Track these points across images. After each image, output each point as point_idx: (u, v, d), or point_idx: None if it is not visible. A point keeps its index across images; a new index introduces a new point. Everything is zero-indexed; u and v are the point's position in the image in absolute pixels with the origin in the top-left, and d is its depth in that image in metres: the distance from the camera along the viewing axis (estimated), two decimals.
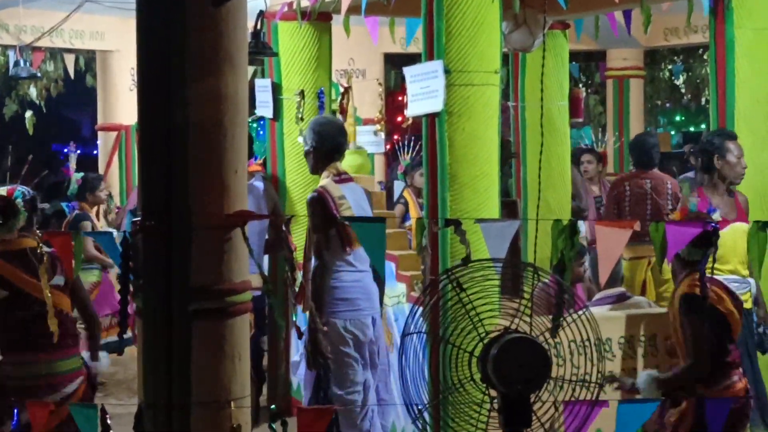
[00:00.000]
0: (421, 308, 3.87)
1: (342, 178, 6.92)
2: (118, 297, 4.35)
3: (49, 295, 5.78)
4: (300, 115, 8.13)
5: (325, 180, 6.89)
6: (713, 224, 4.48)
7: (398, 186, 13.03)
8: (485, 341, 3.86)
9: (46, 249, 5.88)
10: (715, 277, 5.80)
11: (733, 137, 7.13)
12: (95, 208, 11.35)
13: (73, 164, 12.06)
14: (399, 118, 17.40)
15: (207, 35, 3.87)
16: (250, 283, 4.00)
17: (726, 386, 5.66)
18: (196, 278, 3.88)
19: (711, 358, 5.62)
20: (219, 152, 3.93)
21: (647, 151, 9.66)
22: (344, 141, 7.07)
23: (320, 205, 6.69)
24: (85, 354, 6.21)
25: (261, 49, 8.05)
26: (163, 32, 3.87)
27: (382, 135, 10.21)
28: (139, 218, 3.96)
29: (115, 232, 6.50)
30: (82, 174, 11.44)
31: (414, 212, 10.39)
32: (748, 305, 7.05)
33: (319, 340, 6.61)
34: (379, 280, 6.98)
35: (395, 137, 19.46)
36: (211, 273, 3.90)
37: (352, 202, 6.82)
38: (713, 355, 5.64)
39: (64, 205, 11.43)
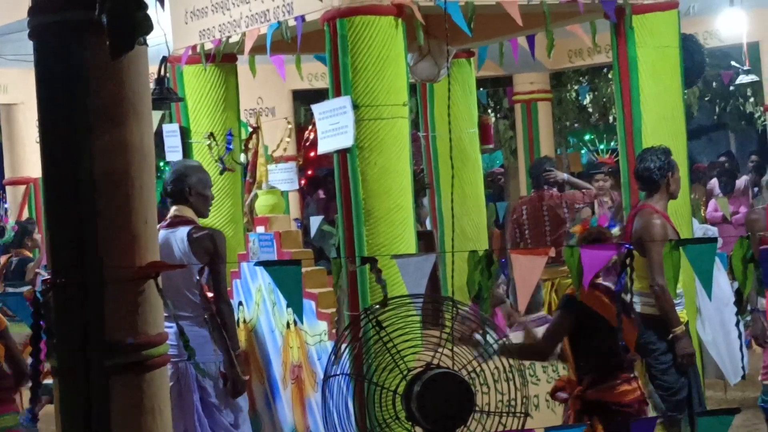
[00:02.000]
0: (341, 349, 3.83)
1: (164, 224, 7.01)
2: None
3: None
4: (215, 157, 8.08)
5: None
6: (627, 245, 4.51)
7: (314, 222, 13.00)
8: (408, 378, 3.83)
9: None
10: (603, 283, 5.96)
11: None
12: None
13: (8, 211, 11.94)
14: (312, 153, 17.36)
15: (108, 86, 3.81)
16: (166, 335, 3.94)
17: (608, 387, 5.83)
18: (111, 333, 3.80)
19: (594, 361, 5.85)
20: (127, 203, 3.86)
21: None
22: (174, 186, 7.10)
23: None
24: None
25: (166, 95, 7.98)
26: (62, 85, 3.80)
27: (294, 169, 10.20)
28: (49, 276, 3.89)
29: None
30: (14, 222, 11.33)
31: None
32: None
33: None
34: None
35: (309, 172, 19.47)
36: (127, 327, 3.82)
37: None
38: (600, 358, 5.84)
39: None
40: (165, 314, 5.31)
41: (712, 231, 11.20)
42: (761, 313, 7.68)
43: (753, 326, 7.63)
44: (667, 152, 7.17)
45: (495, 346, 4.17)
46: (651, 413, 6.91)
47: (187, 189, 7.07)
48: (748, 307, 7.76)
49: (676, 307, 7.00)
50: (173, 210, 7.09)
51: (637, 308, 7.01)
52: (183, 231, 6.96)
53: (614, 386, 5.85)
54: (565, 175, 10.77)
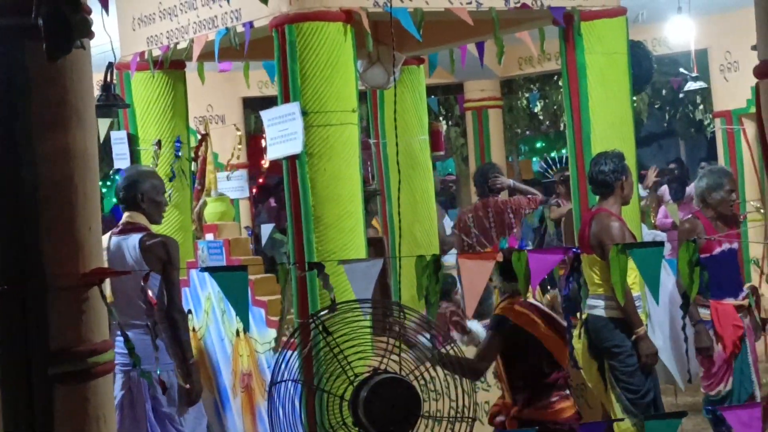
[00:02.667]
0: (286, 355, 3.80)
1: (116, 230, 7.00)
2: None
3: None
4: (155, 165, 8.01)
5: None
6: (575, 249, 4.52)
7: (266, 229, 12.96)
8: (355, 384, 3.81)
9: None
10: (532, 302, 5.98)
11: None
12: None
13: None
14: (262, 161, 17.33)
15: (50, 91, 3.76)
16: (111, 343, 3.90)
17: (543, 406, 5.89)
18: (54, 341, 3.75)
19: (527, 380, 5.92)
20: (71, 210, 3.82)
21: (488, 181, 10.34)
22: (126, 192, 7.03)
23: None
24: None
25: (112, 102, 7.91)
26: (3, 90, 3.75)
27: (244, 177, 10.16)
28: None
29: None
30: None
31: None
32: None
33: None
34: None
35: (259, 180, 19.41)
36: (71, 334, 3.77)
37: (109, 254, 6.87)
38: (532, 377, 5.91)
39: None
40: (114, 322, 5.24)
41: (661, 237, 11.26)
42: (705, 323, 7.66)
43: (697, 339, 7.59)
44: (620, 156, 7.24)
45: (444, 350, 4.16)
46: (619, 415, 6.95)
47: (139, 195, 6.98)
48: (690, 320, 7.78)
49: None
50: (125, 216, 7.02)
51: (602, 312, 7.06)
52: (135, 238, 6.88)
53: (549, 404, 5.88)
54: (511, 181, 10.84)
